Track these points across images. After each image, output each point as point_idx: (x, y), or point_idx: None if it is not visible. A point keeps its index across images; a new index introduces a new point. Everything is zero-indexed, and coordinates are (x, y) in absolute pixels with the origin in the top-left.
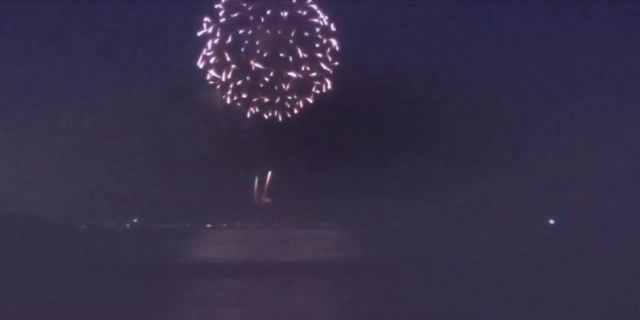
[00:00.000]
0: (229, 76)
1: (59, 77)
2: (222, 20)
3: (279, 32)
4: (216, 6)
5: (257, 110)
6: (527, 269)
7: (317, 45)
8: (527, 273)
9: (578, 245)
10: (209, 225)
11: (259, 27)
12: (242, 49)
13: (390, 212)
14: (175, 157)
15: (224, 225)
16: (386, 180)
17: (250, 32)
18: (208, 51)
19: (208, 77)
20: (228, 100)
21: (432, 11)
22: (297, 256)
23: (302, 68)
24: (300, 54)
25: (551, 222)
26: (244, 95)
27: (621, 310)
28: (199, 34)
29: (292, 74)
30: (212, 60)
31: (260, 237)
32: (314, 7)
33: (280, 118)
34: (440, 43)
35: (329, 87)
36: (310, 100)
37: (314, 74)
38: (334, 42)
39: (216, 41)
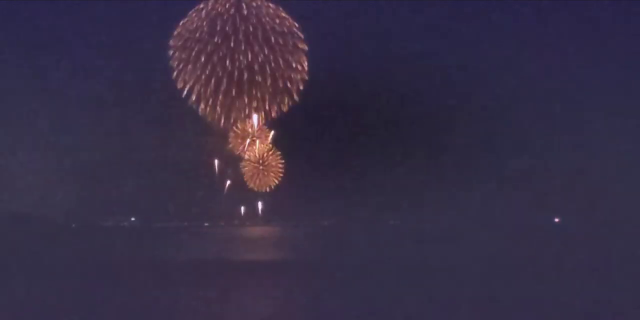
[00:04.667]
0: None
1: (54, 76)
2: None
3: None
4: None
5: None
6: (533, 266)
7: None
8: (532, 270)
9: (582, 242)
10: (206, 224)
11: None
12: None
13: (393, 211)
14: (173, 157)
15: (222, 224)
16: (389, 180)
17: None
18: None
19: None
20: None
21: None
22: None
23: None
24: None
25: (557, 220)
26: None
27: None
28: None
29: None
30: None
31: (259, 235)
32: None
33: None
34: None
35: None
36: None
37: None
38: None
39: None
